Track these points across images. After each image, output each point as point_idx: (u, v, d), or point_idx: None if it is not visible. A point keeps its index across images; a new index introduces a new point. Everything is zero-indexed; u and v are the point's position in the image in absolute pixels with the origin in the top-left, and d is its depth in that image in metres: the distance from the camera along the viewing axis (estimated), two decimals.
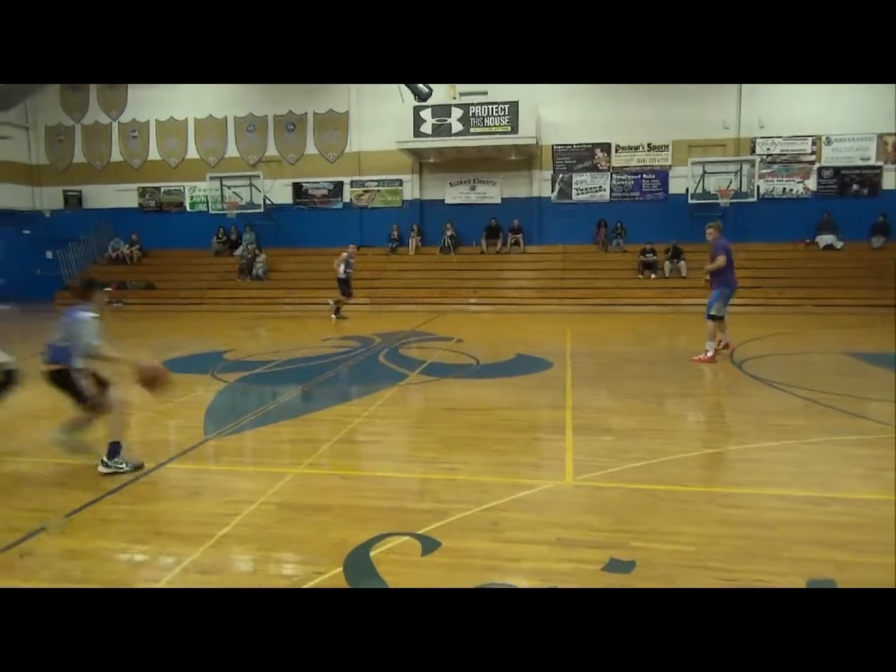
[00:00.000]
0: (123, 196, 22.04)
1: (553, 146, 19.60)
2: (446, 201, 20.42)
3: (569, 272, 18.41)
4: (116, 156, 22.03)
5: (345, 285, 15.11)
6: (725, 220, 18.50)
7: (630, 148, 19.29)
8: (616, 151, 19.37)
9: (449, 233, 19.78)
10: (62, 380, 4.78)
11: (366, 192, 20.78)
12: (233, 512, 3.98)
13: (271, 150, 21.07)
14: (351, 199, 20.86)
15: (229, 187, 20.66)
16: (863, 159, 18.27)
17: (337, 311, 15.05)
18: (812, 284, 16.66)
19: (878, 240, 17.68)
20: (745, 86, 18.36)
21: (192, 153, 21.56)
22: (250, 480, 4.64)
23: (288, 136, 20.95)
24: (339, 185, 20.86)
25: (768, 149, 18.64)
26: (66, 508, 4.07)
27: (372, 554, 3.42)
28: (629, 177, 19.39)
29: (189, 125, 21.45)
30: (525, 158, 19.50)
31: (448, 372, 8.62)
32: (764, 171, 18.58)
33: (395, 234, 20.18)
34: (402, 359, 9.75)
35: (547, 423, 6.09)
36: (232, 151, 21.29)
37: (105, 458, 4.73)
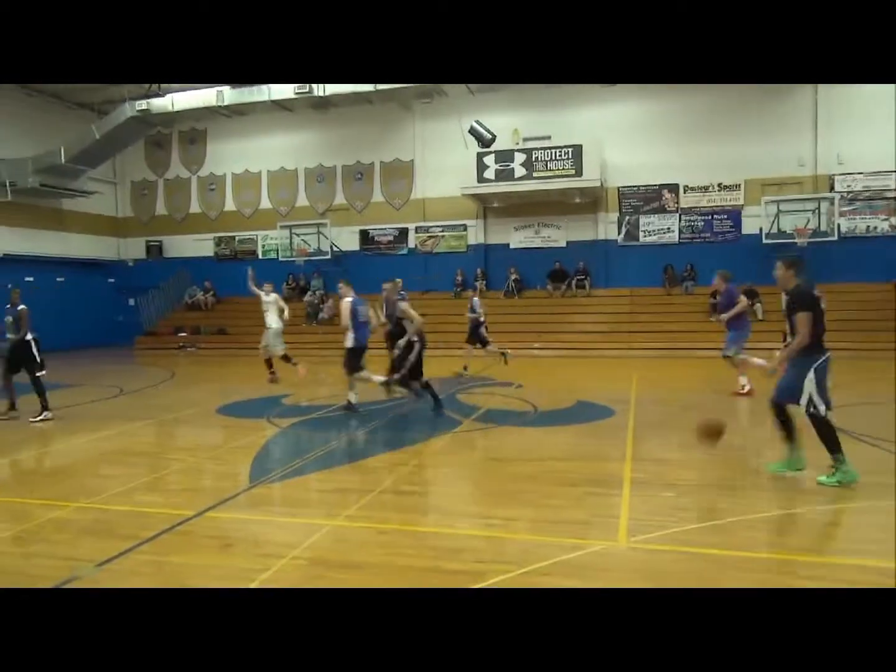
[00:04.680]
0: (201, 245, 23.03)
1: (619, 188, 19.31)
2: (511, 245, 20.35)
3: (636, 316, 17.86)
4: (195, 207, 23.14)
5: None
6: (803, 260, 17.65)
7: (699, 188, 18.78)
8: (685, 192, 18.90)
9: (513, 277, 19.64)
10: None
11: (430, 237, 20.98)
12: (262, 567, 3.81)
13: (339, 199, 21.65)
14: (416, 245, 21.08)
15: (299, 235, 21.28)
16: None
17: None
18: None
19: None
20: (820, 121, 17.67)
21: (265, 203, 22.40)
22: (285, 532, 4.49)
23: (355, 184, 21.50)
24: (404, 232, 21.16)
25: (848, 185, 17.75)
26: (99, 557, 4.00)
27: None
28: (699, 217, 18.84)
29: (262, 177, 22.35)
30: (590, 201, 19.27)
31: (504, 419, 8.33)
32: (844, 208, 17.67)
33: (460, 278, 20.20)
34: (459, 405, 9.52)
35: (603, 476, 5.70)
36: (302, 201, 22.00)
37: None
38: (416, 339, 8.41)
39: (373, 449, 7.08)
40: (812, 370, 4.93)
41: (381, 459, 6.48)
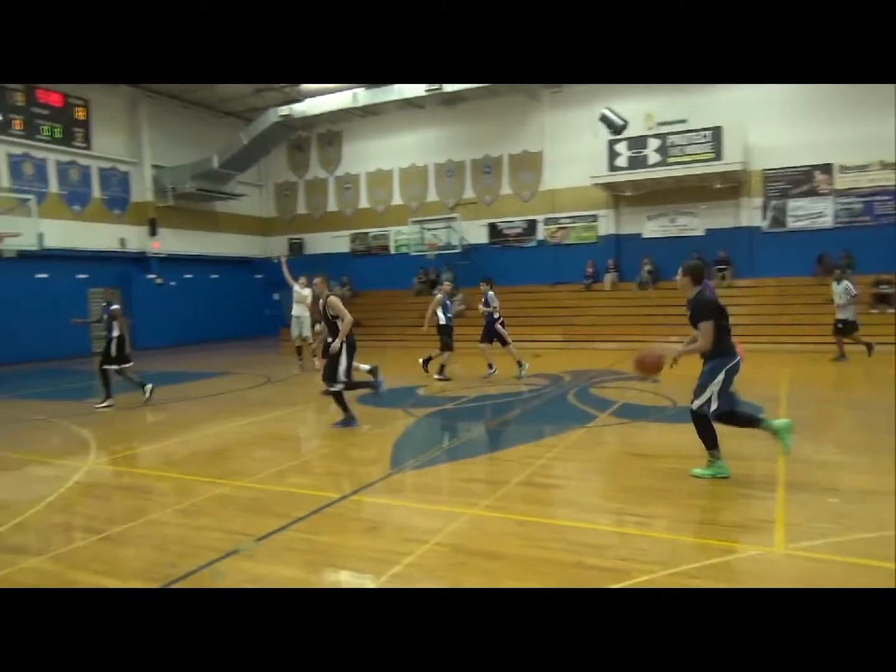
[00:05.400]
0: (338, 242, 24.11)
1: (763, 171, 18.04)
2: (644, 235, 19.62)
3: (784, 308, 16.65)
4: (332, 206, 24.24)
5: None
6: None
7: (857, 167, 17.14)
8: (840, 172, 17.34)
9: (647, 267, 18.93)
10: None
11: (560, 228, 20.67)
12: (406, 551, 3.93)
13: (468, 193, 21.83)
14: (545, 237, 20.86)
15: (429, 230, 21.71)
16: None
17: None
18: None
19: None
20: None
21: (397, 200, 23.04)
22: (427, 518, 4.60)
23: (484, 178, 21.60)
24: (532, 224, 20.99)
25: None
26: (258, 532, 4.30)
27: None
28: (857, 199, 17.21)
29: (394, 175, 22.99)
30: (731, 186, 18.16)
31: (641, 414, 8.06)
32: None
33: (590, 270, 19.76)
34: (593, 399, 9.33)
35: (754, 477, 5.37)
36: (432, 196, 22.41)
37: None
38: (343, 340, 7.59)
39: (507, 441, 7.10)
40: (724, 372, 5.06)
41: (515, 451, 6.48)
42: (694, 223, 19.04)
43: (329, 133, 23.82)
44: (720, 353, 5.12)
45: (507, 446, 6.75)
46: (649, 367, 5.50)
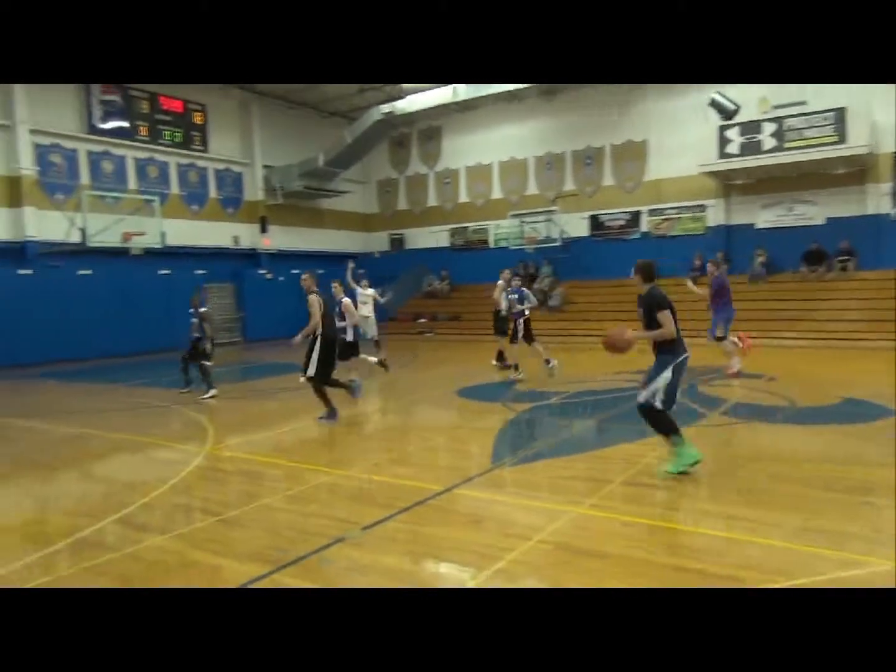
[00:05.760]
0: (437, 236, 24.37)
1: (894, 154, 16.62)
2: (757, 225, 18.58)
3: None
4: (432, 201, 24.51)
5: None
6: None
7: None
8: None
9: (760, 259, 17.92)
10: None
11: (665, 220, 19.93)
12: (509, 546, 3.91)
13: (568, 185, 21.45)
14: (649, 229, 20.18)
15: (528, 223, 21.52)
16: None
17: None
18: None
19: None
20: None
21: (497, 194, 22.98)
22: (530, 515, 4.56)
23: (585, 169, 21.15)
24: (636, 215, 20.36)
25: None
26: (363, 521, 4.41)
27: None
28: None
29: (494, 168, 22.94)
30: (855, 171, 16.86)
31: (756, 414, 7.65)
32: None
33: (698, 262, 18.91)
34: (701, 397, 8.95)
35: (884, 486, 4.96)
36: (531, 189, 22.20)
37: None
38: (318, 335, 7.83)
39: (609, 438, 6.94)
40: (671, 368, 5.13)
41: (619, 450, 6.32)
42: (813, 212, 17.84)
43: (429, 129, 24.08)
44: (671, 349, 5.21)
45: (610, 444, 6.59)
46: (618, 347, 5.38)
